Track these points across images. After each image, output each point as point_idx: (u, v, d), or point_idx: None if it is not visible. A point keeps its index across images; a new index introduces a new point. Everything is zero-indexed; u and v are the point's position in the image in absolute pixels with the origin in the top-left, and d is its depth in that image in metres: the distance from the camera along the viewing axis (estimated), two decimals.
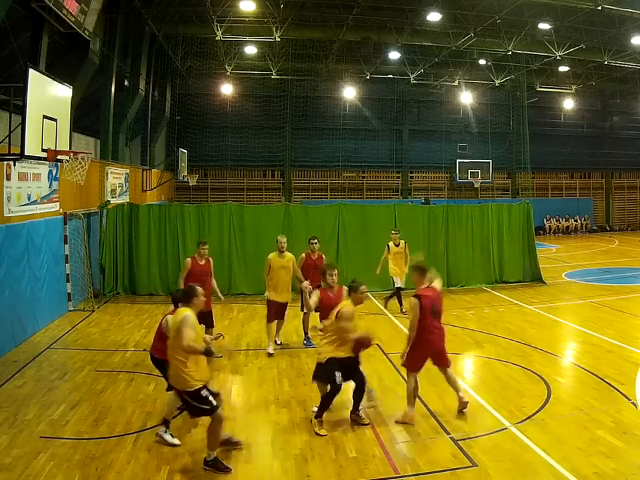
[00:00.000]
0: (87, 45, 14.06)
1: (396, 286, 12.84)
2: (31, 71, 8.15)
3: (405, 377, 7.30)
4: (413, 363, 7.07)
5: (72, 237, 13.01)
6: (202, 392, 5.79)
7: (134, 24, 19.79)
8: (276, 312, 10.02)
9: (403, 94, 31.55)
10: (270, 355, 9.68)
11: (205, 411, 5.84)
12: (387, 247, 12.93)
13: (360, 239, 15.50)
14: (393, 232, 13.12)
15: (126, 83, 20.18)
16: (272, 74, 26.43)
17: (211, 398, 5.81)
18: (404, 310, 12.44)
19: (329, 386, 6.81)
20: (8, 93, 8.92)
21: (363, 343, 7.00)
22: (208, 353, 5.84)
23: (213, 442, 5.82)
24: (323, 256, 10.77)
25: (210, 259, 9.98)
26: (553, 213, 33.20)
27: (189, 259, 9.89)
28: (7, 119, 8.39)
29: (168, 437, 6.39)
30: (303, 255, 10.67)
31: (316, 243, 10.75)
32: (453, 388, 7.23)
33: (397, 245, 12.89)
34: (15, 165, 9.73)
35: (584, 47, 21.68)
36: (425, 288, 7.11)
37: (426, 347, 7.03)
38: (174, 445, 6.31)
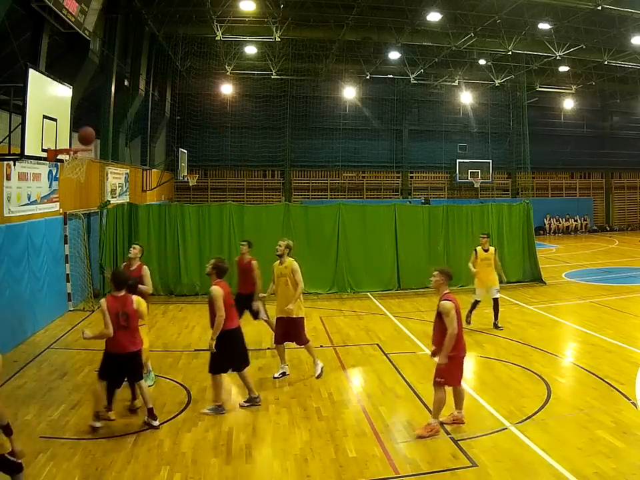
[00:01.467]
0: (87, 45, 14.08)
1: (475, 299, 11.50)
2: (31, 71, 8.14)
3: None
4: (454, 376, 6.63)
5: (72, 236, 13.00)
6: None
7: (134, 24, 19.80)
8: (277, 330, 8.70)
9: (403, 94, 31.57)
10: (274, 377, 8.63)
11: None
12: (474, 252, 11.65)
13: (360, 239, 15.50)
14: (482, 236, 11.80)
15: (126, 83, 20.18)
16: (272, 74, 26.45)
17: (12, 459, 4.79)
18: (469, 322, 11.20)
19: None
20: (8, 93, 8.92)
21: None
22: (7, 430, 4.66)
23: None
24: (254, 262, 9.92)
25: (144, 266, 8.60)
26: (553, 213, 33.20)
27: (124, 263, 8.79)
28: (7, 119, 8.39)
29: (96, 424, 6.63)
30: (236, 259, 10.08)
31: (244, 246, 10.08)
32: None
33: (486, 251, 11.54)
34: (14, 164, 9.73)
35: (584, 46, 21.68)
36: (447, 293, 6.79)
37: (462, 354, 6.74)
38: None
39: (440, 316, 6.64)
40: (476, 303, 11.52)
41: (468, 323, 11.36)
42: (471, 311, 11.45)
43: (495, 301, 11.50)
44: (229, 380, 8.53)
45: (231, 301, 7.41)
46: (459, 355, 6.67)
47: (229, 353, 7.27)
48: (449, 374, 6.57)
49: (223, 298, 7.11)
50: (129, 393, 7.31)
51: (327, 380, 8.45)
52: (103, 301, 6.82)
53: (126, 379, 7.10)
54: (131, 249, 8.87)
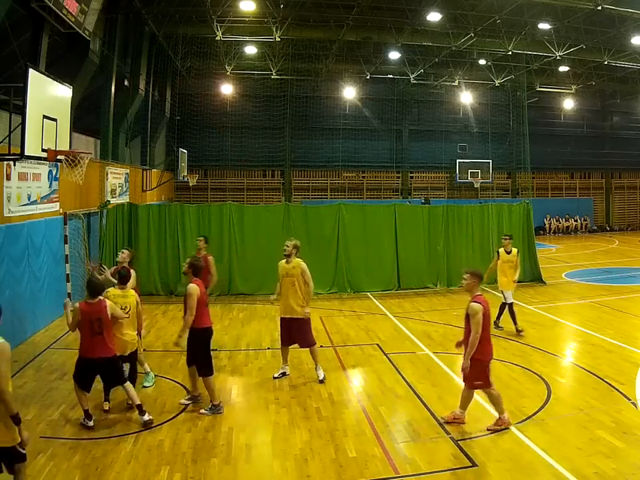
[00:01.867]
0: (87, 45, 14.08)
1: (508, 301, 11.20)
2: (31, 71, 8.14)
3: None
4: (485, 379, 6.65)
5: (72, 236, 12.98)
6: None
7: (134, 24, 19.80)
8: (282, 331, 8.62)
9: (403, 94, 31.58)
10: (274, 377, 8.59)
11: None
12: (496, 253, 11.56)
13: (360, 239, 15.49)
14: (504, 238, 11.58)
15: (126, 83, 20.18)
16: (272, 74, 26.45)
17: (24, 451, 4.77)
18: (520, 329, 10.95)
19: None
20: (8, 93, 8.92)
21: None
22: (16, 419, 4.56)
23: None
24: (210, 257, 10.22)
25: (131, 270, 8.40)
26: (553, 213, 33.20)
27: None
28: (7, 119, 8.39)
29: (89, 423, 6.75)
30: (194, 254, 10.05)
31: (200, 241, 10.24)
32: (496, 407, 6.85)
33: (509, 253, 11.33)
34: (14, 164, 9.73)
35: (584, 46, 21.68)
36: (479, 295, 6.76)
37: (488, 358, 6.69)
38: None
39: (468, 317, 6.66)
40: (511, 306, 11.23)
41: (518, 332, 10.93)
42: (513, 319, 11.10)
43: (510, 305, 11.34)
44: (227, 378, 8.55)
45: (206, 299, 7.50)
46: (484, 358, 6.63)
47: (208, 351, 7.36)
48: (476, 377, 6.62)
49: (198, 297, 7.17)
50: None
51: (327, 380, 8.44)
52: (77, 305, 6.90)
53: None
54: (120, 253, 8.93)
